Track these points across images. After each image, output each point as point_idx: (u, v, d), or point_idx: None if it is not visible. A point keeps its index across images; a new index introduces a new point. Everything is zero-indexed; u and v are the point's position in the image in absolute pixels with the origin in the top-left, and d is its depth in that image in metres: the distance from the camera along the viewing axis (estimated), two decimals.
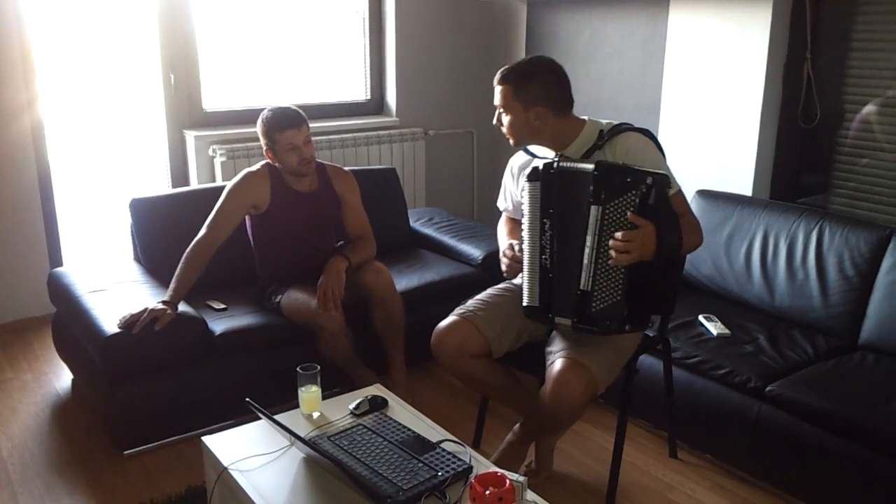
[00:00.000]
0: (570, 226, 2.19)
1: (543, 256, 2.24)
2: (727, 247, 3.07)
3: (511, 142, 2.36)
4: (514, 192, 2.55)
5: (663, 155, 2.30)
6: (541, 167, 2.24)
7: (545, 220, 2.23)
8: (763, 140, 3.45)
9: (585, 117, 2.34)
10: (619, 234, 2.05)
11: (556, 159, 2.25)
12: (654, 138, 2.30)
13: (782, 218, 2.99)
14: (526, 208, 2.27)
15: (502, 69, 2.29)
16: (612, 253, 2.07)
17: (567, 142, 2.30)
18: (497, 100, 2.30)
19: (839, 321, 2.76)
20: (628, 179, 2.08)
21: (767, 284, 2.95)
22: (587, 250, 2.13)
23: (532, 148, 2.46)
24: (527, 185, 2.26)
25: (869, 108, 3.22)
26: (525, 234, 2.29)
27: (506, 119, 2.30)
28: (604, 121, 2.33)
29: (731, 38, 3.45)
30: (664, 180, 2.10)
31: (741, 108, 3.47)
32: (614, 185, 2.09)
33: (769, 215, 3.03)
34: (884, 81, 3.16)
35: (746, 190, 3.47)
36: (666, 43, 3.74)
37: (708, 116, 3.61)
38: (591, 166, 2.13)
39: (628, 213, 2.06)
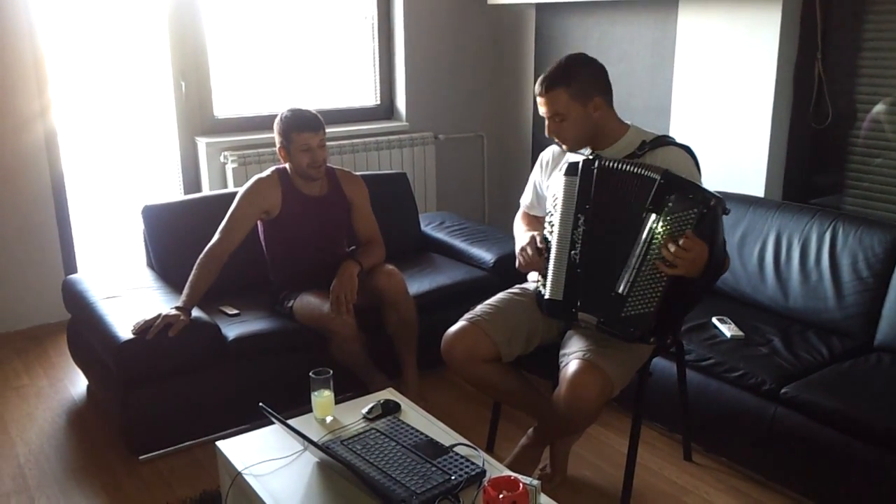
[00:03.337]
0: (613, 226, 2.18)
1: (573, 252, 2.23)
2: (740, 248, 3.05)
3: (566, 147, 2.32)
4: (540, 184, 2.54)
5: (700, 173, 2.28)
6: (581, 163, 2.23)
7: (580, 216, 2.22)
8: (775, 141, 3.44)
9: (629, 122, 2.33)
10: (671, 247, 2.03)
11: (595, 157, 2.24)
12: (694, 156, 2.29)
13: (795, 219, 2.97)
14: (559, 201, 2.26)
15: (543, 78, 2.24)
16: (662, 262, 2.05)
17: (609, 142, 2.29)
18: (548, 108, 2.23)
19: (854, 322, 2.74)
20: (691, 196, 2.06)
21: (781, 286, 2.93)
22: (634, 256, 2.12)
23: None
24: (563, 179, 2.25)
25: (880, 108, 3.20)
26: (555, 227, 2.27)
27: (565, 123, 2.24)
28: (647, 130, 2.32)
29: (741, 39, 3.44)
30: (723, 205, 2.08)
31: (752, 109, 3.46)
32: (678, 198, 2.07)
33: (782, 216, 3.01)
34: (895, 80, 3.14)
35: (758, 191, 3.46)
36: (675, 45, 3.73)
37: (719, 118, 3.60)
38: (657, 175, 2.10)
39: (687, 230, 2.03)
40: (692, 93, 3.70)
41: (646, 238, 2.10)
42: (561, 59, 2.28)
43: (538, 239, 2.33)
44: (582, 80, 2.22)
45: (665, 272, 2.06)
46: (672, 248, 2.03)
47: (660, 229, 2.08)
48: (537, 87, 2.26)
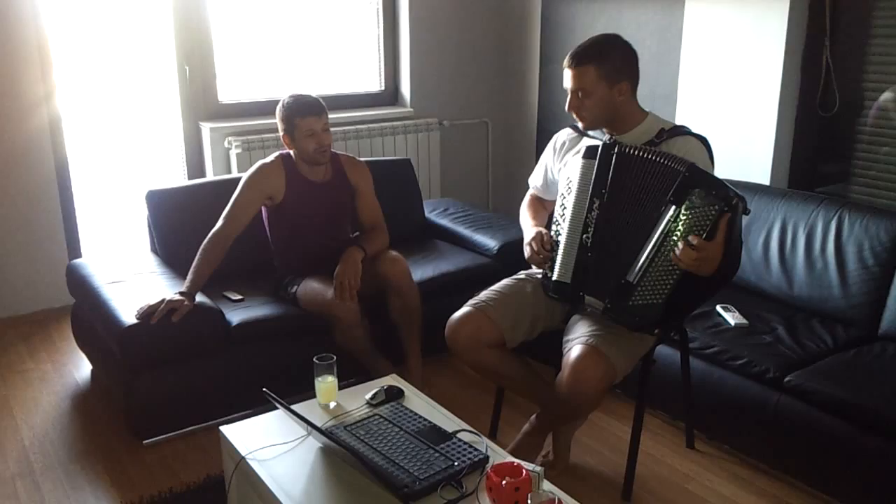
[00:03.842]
0: (629, 214, 2.17)
1: (585, 235, 2.22)
2: (745, 236, 3.04)
3: (583, 125, 2.31)
4: (552, 167, 2.53)
5: (713, 165, 2.27)
6: (600, 146, 2.21)
7: (595, 200, 2.20)
8: (781, 128, 3.42)
9: (648, 110, 2.31)
10: (692, 239, 2.01)
11: (614, 142, 2.22)
12: (709, 147, 2.28)
13: (801, 207, 2.96)
14: (574, 183, 2.24)
15: (575, 52, 2.22)
16: (676, 252, 2.03)
17: (628, 128, 2.28)
18: (574, 83, 2.22)
19: (859, 311, 2.73)
20: (714, 192, 2.04)
21: (786, 274, 2.92)
22: (649, 246, 2.11)
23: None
24: (580, 161, 2.24)
25: (887, 96, 3.18)
26: (567, 209, 2.26)
27: (588, 101, 2.23)
28: (664, 119, 2.31)
29: (749, 25, 3.42)
30: (744, 204, 2.06)
31: (759, 96, 3.43)
32: (700, 193, 2.05)
33: (787, 204, 3.00)
34: None
35: (764, 179, 3.44)
36: (682, 31, 3.71)
37: (725, 105, 3.58)
38: (682, 167, 2.08)
39: (705, 227, 2.02)
40: (699, 80, 3.68)
41: (663, 230, 2.09)
42: (598, 35, 2.27)
43: (545, 236, 2.33)
44: (614, 62, 2.21)
45: (679, 264, 2.05)
46: (684, 244, 2.02)
47: (679, 222, 2.06)
48: (567, 60, 2.24)
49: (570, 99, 2.27)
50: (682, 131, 2.27)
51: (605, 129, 2.33)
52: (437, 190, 4.62)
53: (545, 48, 4.54)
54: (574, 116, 2.31)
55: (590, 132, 2.39)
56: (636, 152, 2.18)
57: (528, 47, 4.66)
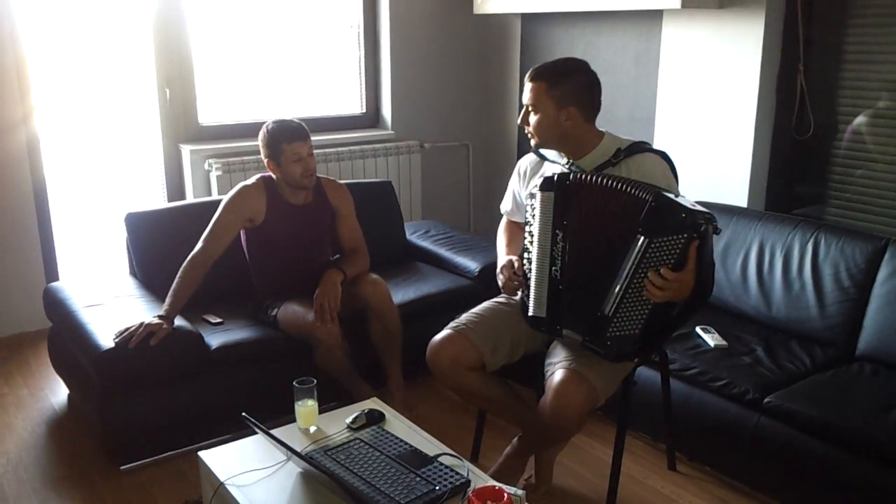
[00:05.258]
0: (596, 245, 2.15)
1: (554, 268, 2.21)
2: (723, 258, 3.07)
3: (533, 142, 2.33)
4: (519, 192, 2.54)
5: (676, 179, 2.27)
6: (555, 177, 2.19)
7: (558, 232, 2.18)
8: (757, 152, 3.46)
9: (604, 130, 2.32)
10: (662, 272, 1.98)
11: (572, 170, 2.23)
12: (670, 161, 2.27)
13: (778, 229, 2.99)
14: (536, 216, 2.23)
15: (536, 68, 2.28)
16: (648, 287, 2.01)
17: (584, 151, 2.28)
18: (527, 97, 2.28)
19: (836, 332, 2.76)
20: (683, 215, 1.99)
21: (764, 296, 2.95)
22: (621, 278, 2.06)
23: (544, 151, 2.44)
24: (538, 194, 2.22)
25: (861, 119, 3.24)
26: (534, 243, 2.24)
27: (534, 118, 2.26)
28: (622, 137, 2.31)
29: (725, 50, 3.47)
30: (714, 224, 2.02)
31: (735, 119, 3.48)
32: (668, 220, 2.00)
33: (765, 227, 3.03)
34: (875, 93, 3.18)
35: (741, 201, 3.48)
36: (660, 56, 3.76)
37: (702, 128, 3.63)
38: (648, 196, 2.03)
39: (675, 255, 1.99)
40: (676, 103, 3.73)
41: (634, 260, 2.04)
42: (564, 58, 2.32)
43: (517, 264, 2.32)
44: (565, 87, 2.23)
45: (652, 298, 2.03)
46: (658, 276, 2.00)
47: (649, 252, 2.02)
48: (528, 73, 2.29)
49: (524, 112, 2.31)
50: (640, 148, 2.26)
51: (561, 153, 2.34)
52: (419, 212, 4.63)
53: (525, 72, 4.56)
54: (526, 130, 2.33)
55: (549, 158, 2.40)
56: (593, 179, 2.15)
57: (508, 71, 4.71)
